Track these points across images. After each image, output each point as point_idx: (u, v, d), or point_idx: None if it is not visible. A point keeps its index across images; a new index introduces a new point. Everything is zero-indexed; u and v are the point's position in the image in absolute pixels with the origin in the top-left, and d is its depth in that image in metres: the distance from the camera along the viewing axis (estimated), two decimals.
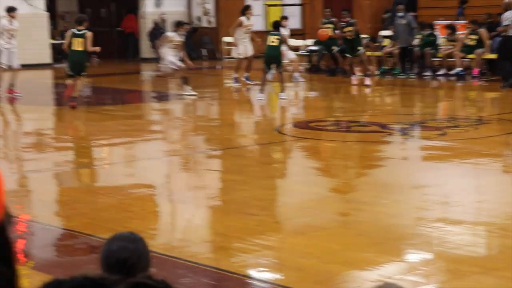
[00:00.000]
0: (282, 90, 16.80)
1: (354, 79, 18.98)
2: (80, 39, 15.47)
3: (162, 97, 18.86)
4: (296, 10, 27.40)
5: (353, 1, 27.75)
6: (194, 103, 17.21)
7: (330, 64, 22.06)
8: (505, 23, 17.33)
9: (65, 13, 27.48)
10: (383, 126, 13.32)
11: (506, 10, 17.34)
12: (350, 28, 19.46)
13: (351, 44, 19.30)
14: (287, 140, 12.72)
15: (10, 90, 17.45)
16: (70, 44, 15.63)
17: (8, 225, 1.72)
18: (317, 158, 11.42)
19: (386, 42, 21.45)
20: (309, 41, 23.64)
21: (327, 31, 20.07)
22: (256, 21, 26.74)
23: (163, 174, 10.32)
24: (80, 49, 15.47)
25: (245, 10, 19.72)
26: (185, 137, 13.25)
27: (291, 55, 20.33)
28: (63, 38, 25.72)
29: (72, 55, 15.69)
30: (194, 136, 13.15)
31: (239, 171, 9.99)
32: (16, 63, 17.43)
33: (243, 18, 19.44)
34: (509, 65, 17.42)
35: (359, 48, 19.20)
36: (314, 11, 27.76)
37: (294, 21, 27.27)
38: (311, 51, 22.71)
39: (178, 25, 17.28)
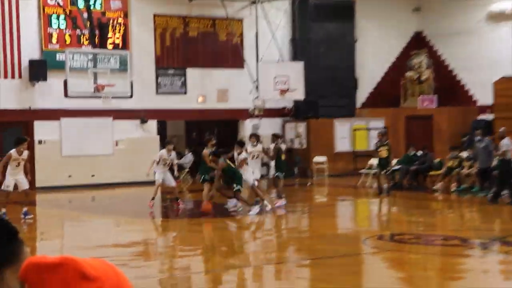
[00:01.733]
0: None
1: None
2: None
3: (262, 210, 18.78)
4: None
5: (433, 125, 27.54)
6: (286, 216, 17.07)
7: (411, 182, 21.78)
8: (503, 148, 17.90)
9: (173, 136, 28.21)
10: (463, 240, 12.83)
11: (502, 138, 18.31)
12: (384, 148, 19.64)
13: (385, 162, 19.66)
14: (373, 251, 12.37)
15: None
16: None
17: None
18: (400, 269, 11.01)
19: (465, 163, 20.99)
20: (393, 161, 23.40)
21: (209, 205, 16.82)
22: (344, 143, 26.89)
23: (257, 282, 10.13)
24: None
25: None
26: (277, 247, 13.06)
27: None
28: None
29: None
30: (286, 247, 12.95)
31: (328, 280, 9.71)
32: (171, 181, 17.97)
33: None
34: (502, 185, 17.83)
35: None
36: (396, 134, 27.64)
37: None
38: (394, 170, 22.42)
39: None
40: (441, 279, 10.16)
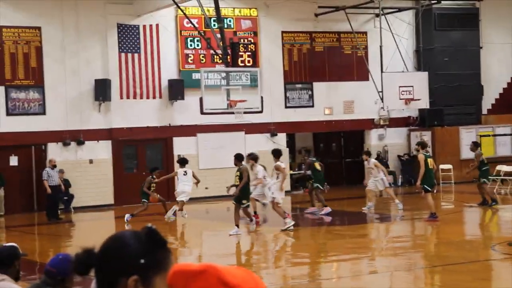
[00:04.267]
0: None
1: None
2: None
3: (384, 218, 18.60)
4: (507, 139, 26.38)
5: None
6: (412, 224, 16.78)
7: None
8: None
9: (302, 148, 28.33)
10: None
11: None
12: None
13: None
14: (503, 257, 11.94)
15: (256, 215, 17.48)
16: None
17: None
18: None
19: None
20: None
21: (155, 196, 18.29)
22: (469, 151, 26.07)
23: None
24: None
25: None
26: (405, 254, 12.86)
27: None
28: (300, 169, 26.50)
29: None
30: (414, 253, 12.73)
31: (458, 286, 9.48)
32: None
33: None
34: None
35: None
36: None
37: (505, 149, 26.29)
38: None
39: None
40: None
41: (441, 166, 25.33)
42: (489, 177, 19.52)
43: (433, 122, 26.45)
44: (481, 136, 26.09)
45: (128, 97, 23.20)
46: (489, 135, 26.13)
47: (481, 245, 13.39)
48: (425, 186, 16.05)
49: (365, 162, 19.52)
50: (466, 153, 26.04)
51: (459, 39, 27.13)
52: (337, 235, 15.60)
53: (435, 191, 16.82)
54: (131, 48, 23.23)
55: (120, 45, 23.10)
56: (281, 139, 25.55)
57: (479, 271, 10.66)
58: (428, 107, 25.01)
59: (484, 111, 27.85)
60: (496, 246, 12.63)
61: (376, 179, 18.68)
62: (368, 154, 19.48)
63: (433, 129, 26.38)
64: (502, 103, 28.28)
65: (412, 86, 24.13)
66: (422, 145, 16.94)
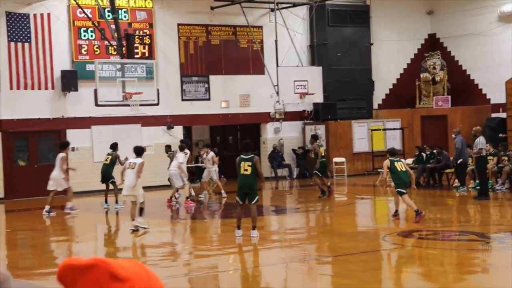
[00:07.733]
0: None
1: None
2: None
3: (279, 210, 18.83)
4: (397, 133, 27.29)
5: (447, 125, 27.36)
6: (307, 216, 17.05)
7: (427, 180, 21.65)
8: (479, 146, 19.43)
9: (199, 140, 28.28)
10: (480, 235, 12.74)
11: (476, 136, 20.21)
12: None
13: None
14: (392, 247, 12.32)
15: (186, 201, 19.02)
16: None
17: None
18: (419, 264, 10.97)
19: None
20: (409, 160, 23.31)
21: None
22: (362, 144, 26.82)
23: (281, 279, 10.14)
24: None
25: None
26: (300, 245, 13.04)
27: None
28: (196, 162, 26.43)
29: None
30: (308, 245, 12.94)
31: (349, 276, 9.70)
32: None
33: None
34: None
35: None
36: (412, 134, 27.55)
37: (395, 142, 27.12)
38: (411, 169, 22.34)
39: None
40: (458, 274, 10.11)
41: (334, 159, 25.94)
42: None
43: (327, 116, 27.01)
44: (372, 130, 26.90)
45: (18, 88, 22.39)
46: (379, 129, 26.95)
47: (372, 236, 13.77)
48: (398, 189, 14.88)
49: (204, 155, 20.86)
50: (358, 146, 26.82)
51: (351, 35, 27.83)
52: (233, 228, 15.63)
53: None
54: (21, 37, 22.42)
55: (9, 34, 22.25)
56: (177, 132, 25.39)
57: (370, 261, 10.95)
58: (322, 101, 25.51)
59: (375, 106, 28.71)
60: (386, 237, 13.02)
61: (211, 170, 20.36)
62: (209, 146, 21.48)
63: (326, 123, 26.94)
64: (391, 98, 29.26)
65: (306, 81, 24.53)
66: (390, 153, 15.21)
